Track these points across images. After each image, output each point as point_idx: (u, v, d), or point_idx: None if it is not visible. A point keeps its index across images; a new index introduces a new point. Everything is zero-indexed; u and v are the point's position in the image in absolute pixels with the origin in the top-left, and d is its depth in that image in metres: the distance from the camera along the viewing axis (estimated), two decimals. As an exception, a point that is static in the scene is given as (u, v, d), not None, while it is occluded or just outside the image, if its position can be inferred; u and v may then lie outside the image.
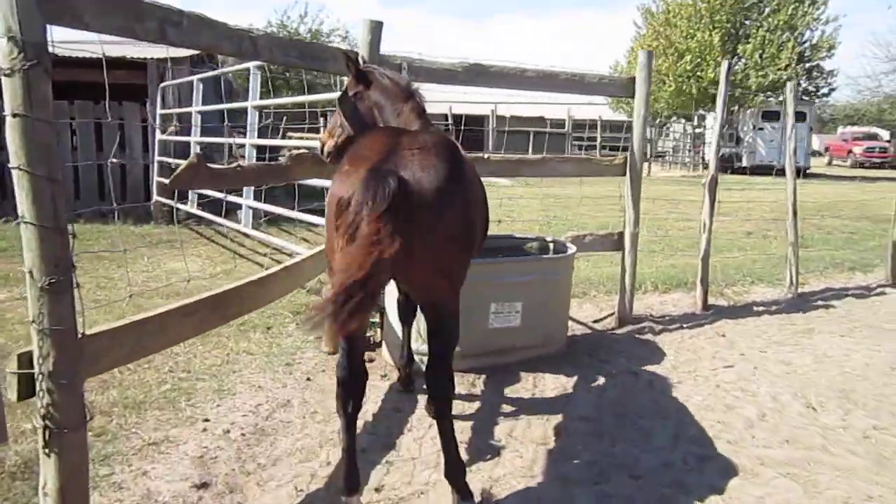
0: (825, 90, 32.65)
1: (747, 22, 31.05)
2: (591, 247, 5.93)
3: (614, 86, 5.92)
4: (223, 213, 8.24)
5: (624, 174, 5.89)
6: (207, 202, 8.99)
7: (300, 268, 4.11)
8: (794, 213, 7.04)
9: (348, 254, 2.47)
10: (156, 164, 10.31)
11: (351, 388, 2.93)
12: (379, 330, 5.10)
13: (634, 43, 35.29)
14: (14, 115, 2.14)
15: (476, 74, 5.20)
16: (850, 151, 41.68)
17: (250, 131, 7.71)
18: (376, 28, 4.64)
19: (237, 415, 3.96)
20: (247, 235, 8.77)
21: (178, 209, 9.17)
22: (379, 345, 5.03)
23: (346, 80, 4.39)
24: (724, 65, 6.42)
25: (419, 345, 4.39)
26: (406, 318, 4.30)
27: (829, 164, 43.69)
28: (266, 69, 7.47)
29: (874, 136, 45.37)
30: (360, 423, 3.28)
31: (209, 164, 3.16)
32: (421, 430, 3.84)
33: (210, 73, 10.43)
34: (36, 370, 2.28)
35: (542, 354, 4.98)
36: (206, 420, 3.86)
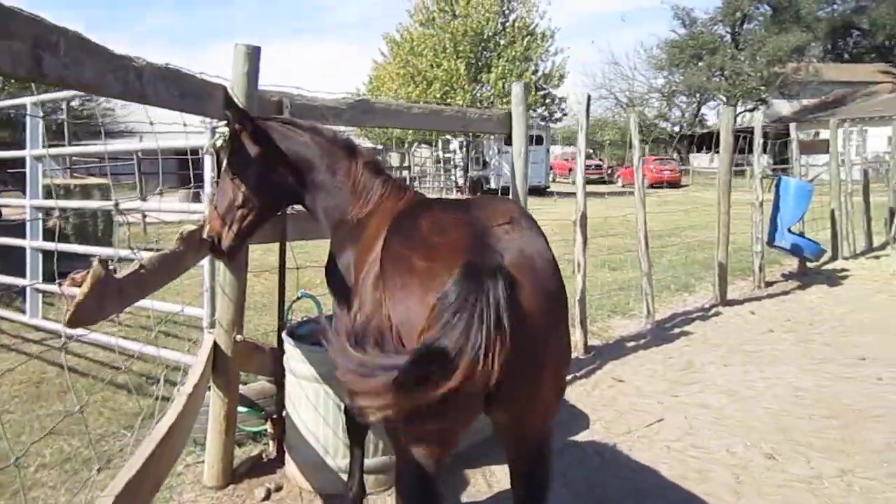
0: (558, 115, 35.60)
1: (487, 53, 32.83)
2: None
3: (492, 121, 5.37)
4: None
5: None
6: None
7: (196, 399, 2.93)
8: (646, 242, 7.03)
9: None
10: None
11: None
12: (272, 443, 3.98)
13: (378, 71, 35.76)
14: None
15: (362, 112, 4.33)
16: (570, 170, 46.09)
17: (30, 189, 5.82)
18: (253, 56, 3.59)
19: None
20: (40, 329, 6.19)
21: None
22: (278, 462, 3.91)
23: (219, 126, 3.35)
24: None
25: (339, 461, 3.45)
26: (358, 433, 3.29)
27: (553, 181, 47.90)
28: (40, 106, 5.67)
29: (587, 155, 50.84)
30: None
31: (116, 276, 1.98)
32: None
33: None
34: None
35: (466, 446, 4.18)
36: None
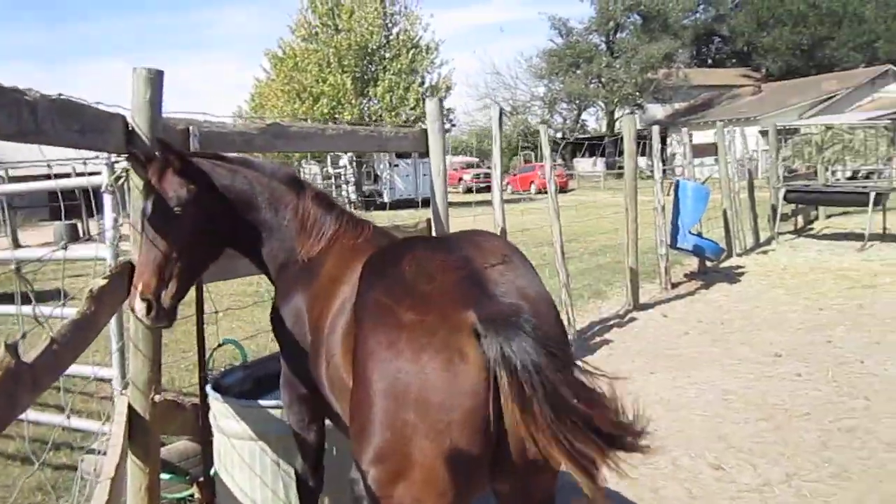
0: (448, 126, 35.77)
1: (373, 67, 32.62)
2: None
3: (408, 140, 5.15)
4: None
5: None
6: None
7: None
8: (562, 252, 7.00)
9: None
10: None
11: None
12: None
13: (261, 88, 34.87)
14: None
15: (275, 136, 4.00)
16: (460, 179, 46.53)
17: None
18: (156, 80, 3.22)
19: None
20: None
21: None
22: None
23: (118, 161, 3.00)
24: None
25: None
26: (312, 498, 2.95)
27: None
28: None
29: (474, 165, 51.53)
30: None
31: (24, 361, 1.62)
32: None
33: None
34: None
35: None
36: None
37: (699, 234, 9.61)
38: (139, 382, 3.18)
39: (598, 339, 6.97)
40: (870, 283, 8.94)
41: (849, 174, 16.67)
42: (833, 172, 14.76)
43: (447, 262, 1.89)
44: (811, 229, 14.49)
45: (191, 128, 3.43)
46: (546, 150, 6.90)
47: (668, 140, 36.23)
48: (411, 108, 30.74)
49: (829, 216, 15.47)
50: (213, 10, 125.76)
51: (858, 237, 12.18)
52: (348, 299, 2.16)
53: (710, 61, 58.99)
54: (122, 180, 3.24)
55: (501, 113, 6.10)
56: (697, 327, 7.29)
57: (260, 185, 2.64)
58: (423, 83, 32.94)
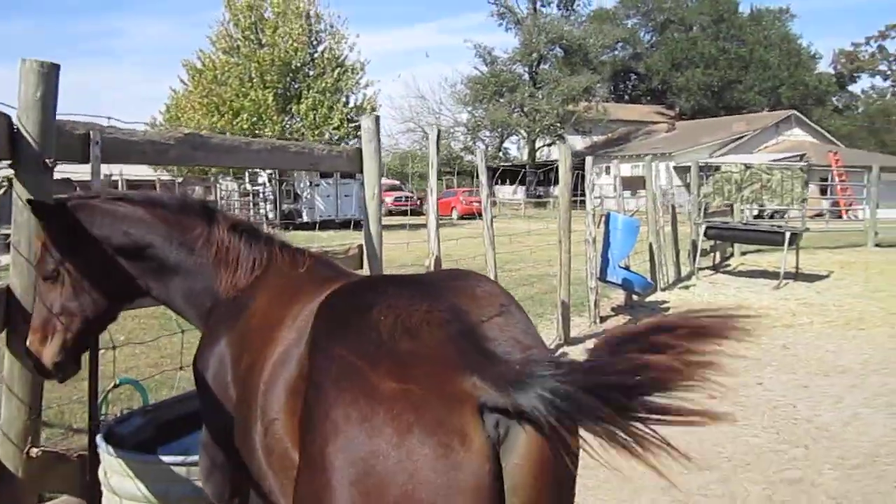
0: (370, 148, 35.36)
1: (296, 84, 31.95)
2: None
3: (342, 158, 4.75)
4: None
5: (361, 267, 4.76)
6: None
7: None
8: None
9: None
10: None
11: None
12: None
13: (177, 100, 33.69)
14: None
15: (193, 148, 3.54)
16: (382, 201, 46.19)
17: None
18: (50, 76, 2.74)
19: None
20: None
21: None
22: None
23: None
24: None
25: None
26: None
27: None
28: None
29: (396, 188, 51.34)
30: None
31: None
32: None
33: None
34: None
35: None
36: None
37: (627, 268, 9.54)
38: (13, 433, 2.65)
39: (529, 375, 6.68)
40: (789, 323, 9.05)
41: (756, 213, 17.22)
42: (742, 211, 15.17)
43: (433, 312, 1.47)
44: (727, 266, 14.81)
45: (91, 133, 2.96)
46: (483, 177, 6.62)
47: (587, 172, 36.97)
48: (335, 128, 30.23)
49: (743, 253, 15.88)
50: (122, 18, 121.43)
51: (773, 275, 12.47)
52: (293, 347, 1.75)
53: (626, 97, 61.02)
54: (3, 189, 2.73)
55: (439, 135, 5.78)
56: (629, 364, 7.10)
57: (166, 225, 2.24)
58: (347, 103, 32.48)
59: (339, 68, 31.75)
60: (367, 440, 1.30)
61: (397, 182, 54.05)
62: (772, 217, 19.73)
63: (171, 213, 2.27)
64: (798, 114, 45.14)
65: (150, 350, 6.86)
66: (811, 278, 12.54)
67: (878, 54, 64.63)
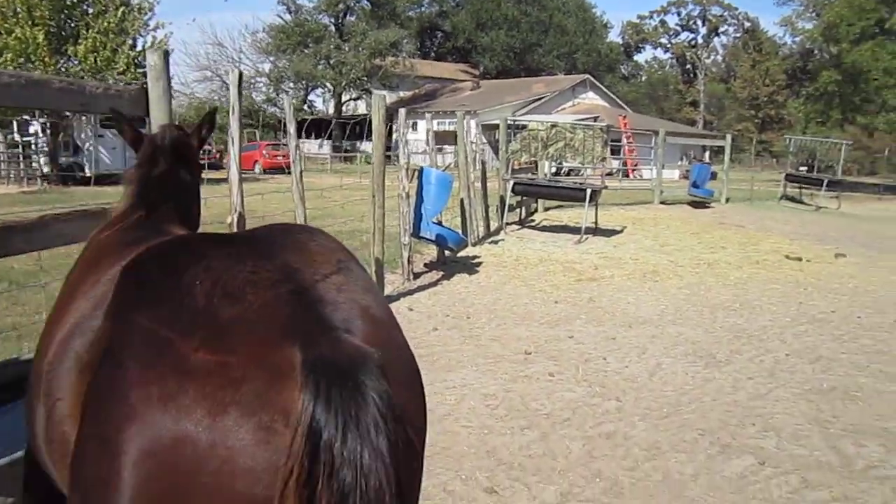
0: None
1: (73, 22, 28.52)
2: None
3: (122, 99, 3.98)
4: None
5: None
6: None
7: None
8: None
9: None
10: None
11: None
12: None
13: None
14: None
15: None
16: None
17: None
18: None
19: None
20: None
21: None
22: None
23: None
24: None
25: None
26: None
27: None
28: None
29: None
30: None
31: None
32: None
33: None
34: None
35: None
36: None
37: (440, 223, 9.43)
38: None
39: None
40: (593, 276, 9.45)
41: (554, 170, 18.02)
42: (547, 168, 15.78)
43: (259, 272, 1.24)
44: (532, 221, 15.33)
45: None
46: (291, 127, 6.07)
47: (395, 126, 36.91)
48: (120, 73, 27.41)
49: (546, 209, 16.53)
50: None
51: (574, 230, 13.06)
52: (87, 320, 1.44)
53: (433, 54, 61.49)
54: None
55: (241, 78, 5.13)
56: (446, 322, 6.99)
57: None
58: (134, 46, 29.54)
59: (123, 7, 28.69)
60: (171, 424, 1.08)
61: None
62: (568, 174, 20.79)
63: None
64: (592, 79, 47.95)
65: None
66: (608, 233, 13.28)
67: (660, 28, 70.81)
